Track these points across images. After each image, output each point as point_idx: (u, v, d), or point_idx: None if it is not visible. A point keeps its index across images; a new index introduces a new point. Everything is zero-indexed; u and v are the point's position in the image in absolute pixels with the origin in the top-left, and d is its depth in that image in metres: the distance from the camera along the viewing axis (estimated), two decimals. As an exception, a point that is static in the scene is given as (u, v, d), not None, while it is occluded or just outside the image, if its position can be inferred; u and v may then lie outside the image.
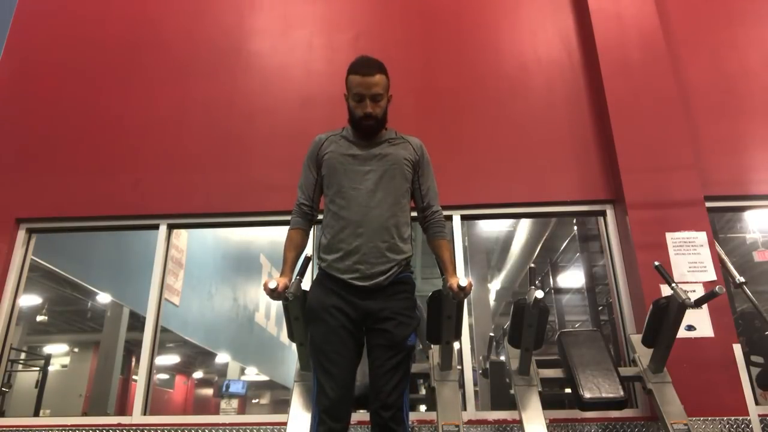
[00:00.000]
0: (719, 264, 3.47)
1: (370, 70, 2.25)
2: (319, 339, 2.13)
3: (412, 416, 3.28)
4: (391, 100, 2.34)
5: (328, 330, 2.11)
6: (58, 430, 3.45)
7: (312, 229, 3.76)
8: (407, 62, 4.33)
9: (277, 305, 8.99)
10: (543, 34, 4.38)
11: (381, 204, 2.20)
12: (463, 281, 2.13)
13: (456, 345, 2.91)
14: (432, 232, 2.39)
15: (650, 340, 2.90)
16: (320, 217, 2.38)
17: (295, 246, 2.33)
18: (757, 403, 3.15)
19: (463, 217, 3.92)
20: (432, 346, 2.99)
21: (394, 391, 2.07)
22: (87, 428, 3.47)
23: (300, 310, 2.46)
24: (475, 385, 3.58)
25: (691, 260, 3.46)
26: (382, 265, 2.14)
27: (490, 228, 8.46)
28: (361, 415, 3.31)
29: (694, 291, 3.26)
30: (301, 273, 2.34)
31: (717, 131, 3.94)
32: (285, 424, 2.77)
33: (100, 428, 3.45)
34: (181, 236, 6.00)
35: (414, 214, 2.40)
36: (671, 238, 3.52)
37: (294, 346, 2.79)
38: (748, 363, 3.25)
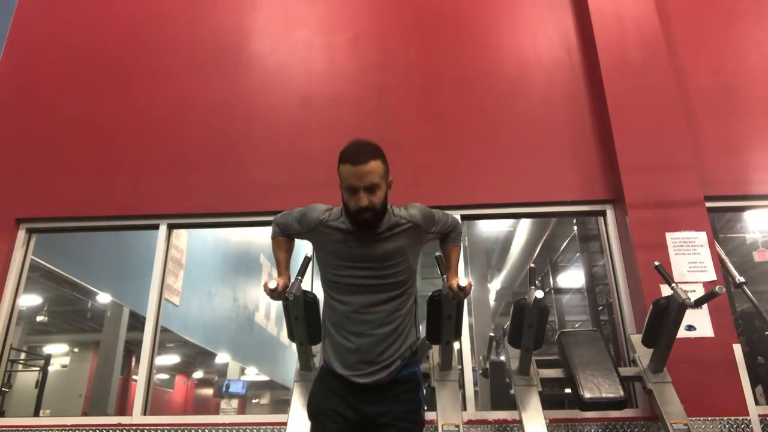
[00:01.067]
0: (719, 264, 3.47)
1: (362, 157, 1.95)
2: None
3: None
4: (392, 187, 2.08)
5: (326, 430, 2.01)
6: (58, 430, 3.44)
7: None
8: (407, 62, 4.33)
9: (277, 305, 8.99)
10: (543, 34, 4.38)
11: (382, 305, 2.05)
12: (463, 281, 2.11)
13: (456, 345, 2.92)
14: (449, 239, 2.33)
15: (650, 340, 2.90)
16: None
17: (283, 248, 2.31)
18: (757, 403, 3.15)
19: (463, 217, 3.92)
20: (432, 346, 2.99)
21: None
22: (87, 428, 3.46)
23: (300, 310, 2.47)
24: (475, 385, 3.58)
25: (691, 260, 3.46)
26: (384, 361, 2.02)
27: (490, 228, 8.47)
28: None
29: (694, 291, 3.25)
30: (301, 273, 2.33)
31: (717, 131, 3.94)
32: (285, 424, 2.76)
33: (100, 428, 3.45)
34: (181, 236, 6.00)
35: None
36: (671, 238, 3.52)
37: (294, 346, 2.79)
38: (749, 363, 3.25)
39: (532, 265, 2.93)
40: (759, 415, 3.09)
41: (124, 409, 11.34)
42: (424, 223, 2.16)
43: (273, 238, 2.34)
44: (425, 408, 2.13)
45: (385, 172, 2.03)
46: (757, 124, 3.96)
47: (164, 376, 16.37)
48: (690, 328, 3.25)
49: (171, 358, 14.96)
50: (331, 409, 2.03)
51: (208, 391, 18.22)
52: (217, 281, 7.91)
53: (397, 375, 2.05)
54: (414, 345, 2.12)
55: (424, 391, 2.16)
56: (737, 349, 3.24)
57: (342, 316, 2.08)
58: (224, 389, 10.85)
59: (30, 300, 9.66)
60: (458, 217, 3.87)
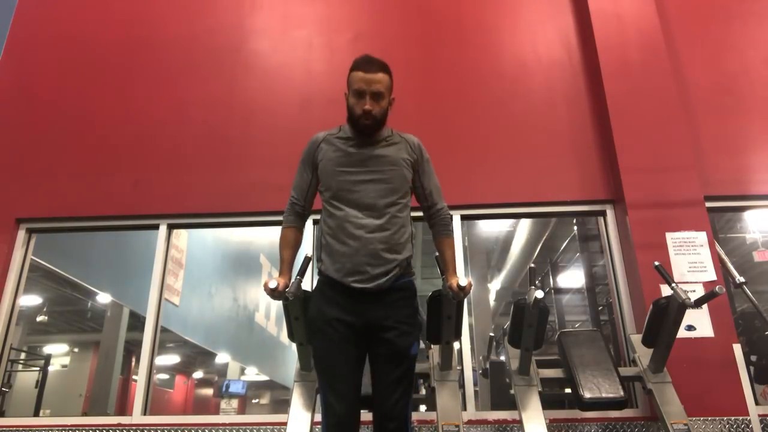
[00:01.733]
0: (719, 264, 3.47)
1: (373, 67, 2.21)
2: (323, 354, 2.12)
3: (412, 416, 3.28)
4: (393, 104, 2.29)
5: (331, 345, 2.08)
6: (58, 430, 3.45)
7: (313, 230, 3.81)
8: (407, 62, 4.32)
9: (277, 305, 8.99)
10: (543, 35, 4.38)
11: (379, 205, 2.16)
12: (463, 281, 2.13)
13: (456, 345, 2.92)
14: (437, 230, 2.36)
15: (650, 340, 2.90)
16: (316, 217, 2.37)
17: (290, 244, 2.32)
18: (757, 403, 3.15)
19: (463, 217, 3.92)
20: (432, 346, 2.99)
21: (398, 403, 2.06)
22: (87, 428, 3.46)
23: (300, 310, 2.46)
24: (475, 385, 3.58)
25: (691, 260, 3.46)
26: (382, 266, 2.10)
27: (490, 228, 8.47)
28: (364, 414, 3.31)
29: (694, 291, 3.26)
30: (301, 273, 2.34)
31: (717, 131, 3.94)
32: (285, 424, 2.76)
33: (100, 428, 3.45)
34: (181, 236, 6.00)
35: (418, 213, 2.39)
36: (671, 238, 3.52)
37: (294, 346, 2.79)
38: (748, 363, 3.25)
39: (532, 265, 2.93)
40: (759, 415, 3.10)
41: (124, 409, 11.33)
42: (417, 149, 2.33)
43: (282, 229, 2.35)
44: (420, 314, 2.25)
45: (390, 86, 2.25)
46: (757, 124, 3.96)
47: (164, 376, 16.36)
48: (690, 328, 3.25)
49: (171, 358, 14.96)
50: (333, 317, 2.09)
51: (208, 391, 18.21)
52: (217, 281, 7.91)
53: (395, 283, 2.13)
54: (410, 258, 2.22)
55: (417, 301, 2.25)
56: (737, 349, 3.24)
57: (341, 221, 2.16)
58: (224, 389, 10.85)
59: (30, 300, 9.65)
60: (458, 217, 3.88)
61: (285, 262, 2.28)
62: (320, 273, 2.22)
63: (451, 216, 2.47)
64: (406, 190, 2.27)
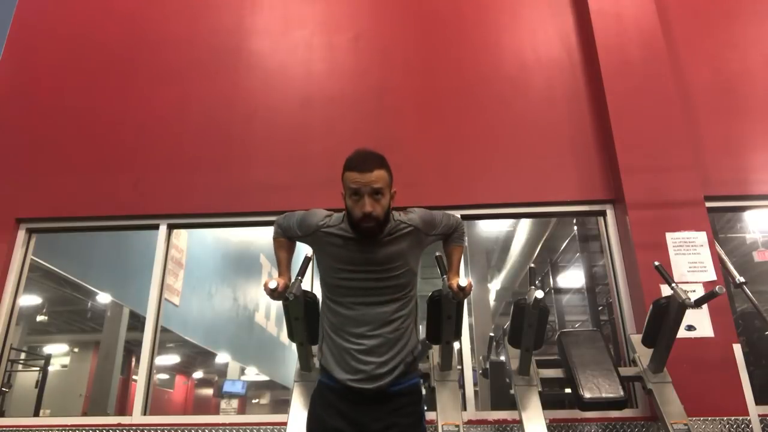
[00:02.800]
0: (719, 264, 3.47)
1: (367, 165, 1.98)
2: None
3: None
4: (395, 197, 2.11)
5: None
6: (58, 430, 3.44)
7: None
8: (407, 62, 4.33)
9: (277, 305, 8.99)
10: (543, 34, 4.38)
11: (382, 307, 2.05)
12: (463, 281, 2.11)
13: (456, 345, 2.92)
14: (451, 239, 2.32)
15: (650, 340, 2.90)
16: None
17: (284, 247, 2.31)
18: (757, 403, 3.15)
19: (463, 217, 3.90)
20: (432, 346, 2.99)
21: None
22: (87, 428, 3.46)
23: (300, 310, 2.47)
24: (475, 385, 3.58)
25: (691, 260, 3.46)
26: (386, 365, 2.00)
27: (490, 228, 8.47)
28: None
29: (694, 291, 3.25)
30: (301, 273, 2.33)
31: (717, 131, 3.94)
32: (285, 424, 2.76)
33: (100, 428, 3.45)
34: (181, 236, 6.00)
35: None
36: (671, 238, 3.52)
37: (294, 346, 2.79)
38: (749, 363, 3.25)
39: (532, 265, 2.93)
40: (759, 415, 3.09)
41: (124, 409, 11.34)
42: (423, 227, 2.17)
43: (274, 238, 2.34)
44: (426, 421, 2.12)
45: (389, 182, 2.04)
46: (757, 124, 3.96)
47: (164, 376, 16.37)
48: (690, 328, 3.25)
49: (171, 358, 14.97)
50: (332, 427, 1.99)
51: (208, 391, 18.22)
52: (217, 281, 7.90)
53: (399, 386, 2.03)
54: (416, 350, 2.12)
55: (424, 404, 2.15)
56: (737, 349, 3.23)
57: (343, 319, 2.07)
58: (224, 389, 10.85)
59: (30, 300, 9.65)
60: (458, 216, 3.87)
61: (283, 263, 2.28)
62: (321, 366, 2.14)
63: (464, 226, 2.43)
64: (413, 283, 2.15)
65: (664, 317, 2.76)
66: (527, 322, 2.72)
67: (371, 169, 1.97)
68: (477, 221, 6.80)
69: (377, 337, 2.02)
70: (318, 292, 2.32)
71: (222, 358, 12.02)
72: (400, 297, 2.09)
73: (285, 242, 2.32)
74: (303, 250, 2.50)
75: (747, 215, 4.75)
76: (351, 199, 2.00)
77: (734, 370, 3.19)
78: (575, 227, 7.10)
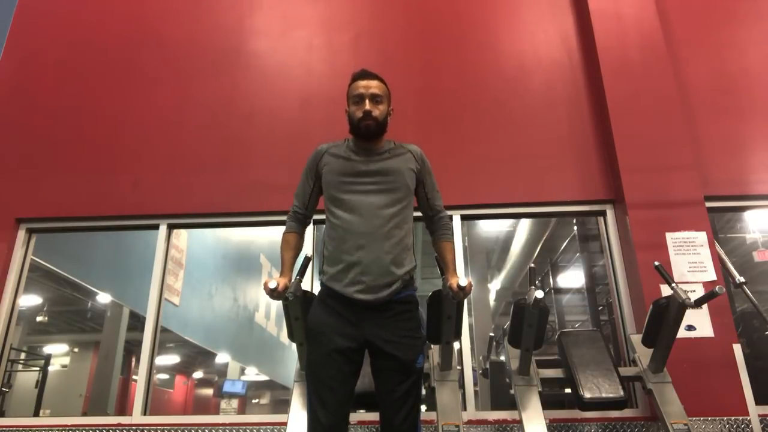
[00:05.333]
0: (719, 264, 3.47)
1: (370, 75, 2.30)
2: (315, 363, 2.09)
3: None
4: (392, 114, 2.35)
5: (325, 354, 2.05)
6: (58, 430, 3.45)
7: (313, 229, 3.81)
8: (407, 62, 4.33)
9: (277, 305, 8.99)
10: (543, 35, 4.38)
11: (383, 216, 2.16)
12: (463, 281, 2.12)
13: (456, 345, 2.92)
14: (438, 234, 2.39)
15: (650, 340, 2.90)
16: (317, 217, 2.37)
17: (291, 247, 2.33)
18: (757, 403, 3.15)
19: (463, 217, 3.92)
20: (432, 346, 2.99)
21: (406, 420, 2.04)
22: (87, 428, 3.46)
23: (300, 310, 2.46)
24: (475, 385, 3.58)
25: (691, 260, 3.46)
26: (385, 278, 2.09)
27: (490, 228, 8.47)
28: (360, 415, 3.31)
29: (694, 291, 3.25)
30: (301, 273, 2.34)
31: (717, 131, 3.94)
32: (285, 424, 2.77)
33: (100, 428, 3.45)
34: (181, 236, 6.00)
35: (417, 213, 2.40)
36: (671, 238, 3.52)
37: (294, 346, 2.79)
38: (749, 363, 3.25)
39: (532, 265, 2.93)
40: (759, 415, 3.10)
41: (124, 409, 11.34)
42: (418, 159, 2.35)
43: (284, 234, 2.37)
44: (424, 328, 2.24)
45: (388, 95, 2.33)
46: (757, 124, 3.96)
47: (164, 376, 16.37)
48: (690, 328, 3.25)
49: (171, 358, 14.96)
50: (331, 327, 2.08)
51: (208, 391, 18.22)
52: (217, 281, 7.90)
53: (397, 296, 2.13)
54: (413, 270, 2.21)
55: (421, 313, 2.25)
56: (737, 349, 3.24)
57: (344, 232, 2.16)
58: (224, 389, 10.85)
59: (30, 300, 9.66)
60: (458, 217, 3.88)
61: (286, 264, 2.29)
62: (322, 284, 2.20)
63: (451, 217, 2.49)
64: (410, 200, 2.29)
65: (664, 317, 2.76)
66: (527, 322, 2.72)
67: (373, 78, 2.29)
68: (477, 221, 6.80)
69: (377, 251, 2.11)
70: (318, 291, 2.31)
71: (222, 358, 12.01)
72: (398, 212, 2.20)
73: (293, 240, 2.35)
74: (302, 250, 2.50)
75: (747, 215, 4.75)
76: (354, 105, 2.28)
77: (734, 370, 3.19)
78: (575, 227, 7.10)
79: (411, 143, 2.41)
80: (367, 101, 2.24)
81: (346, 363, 2.05)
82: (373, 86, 2.26)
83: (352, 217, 2.16)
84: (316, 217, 3.68)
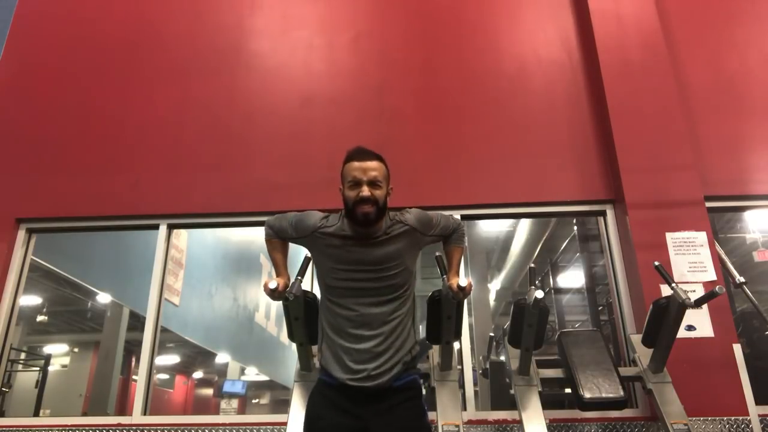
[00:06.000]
0: (719, 264, 3.47)
1: (367, 156, 2.08)
2: None
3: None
4: (391, 195, 2.16)
5: None
6: (58, 430, 3.44)
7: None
8: (407, 62, 4.33)
9: (277, 305, 8.98)
10: (543, 35, 4.38)
11: (381, 307, 2.06)
12: (463, 281, 2.12)
13: (456, 345, 2.92)
14: (451, 239, 2.33)
15: (650, 340, 2.90)
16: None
17: (278, 249, 2.31)
18: (757, 403, 3.15)
19: (463, 217, 3.91)
20: (432, 346, 2.99)
21: None
22: (87, 428, 3.46)
23: (300, 310, 2.47)
24: (475, 385, 3.58)
25: (691, 260, 3.46)
26: (385, 364, 2.01)
27: (490, 228, 8.47)
28: None
29: (694, 291, 3.25)
30: (301, 273, 2.33)
31: (717, 131, 3.94)
32: (285, 424, 2.76)
33: (100, 428, 3.45)
34: (181, 236, 6.00)
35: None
36: (671, 238, 3.52)
37: (294, 346, 2.79)
38: (749, 363, 3.25)
39: (532, 265, 2.93)
40: (759, 415, 3.09)
41: (124, 409, 11.34)
42: (420, 227, 2.19)
43: (267, 240, 2.34)
44: (428, 415, 2.11)
45: (387, 176, 2.12)
46: (757, 124, 3.96)
47: (164, 376, 16.37)
48: (690, 328, 3.25)
49: (171, 358, 14.96)
50: (331, 423, 1.99)
51: (208, 391, 18.21)
52: (217, 281, 7.90)
53: (398, 382, 2.04)
54: (414, 349, 2.13)
55: (424, 402, 2.14)
56: (737, 349, 3.24)
57: (342, 320, 2.08)
58: (224, 389, 10.84)
59: (30, 300, 9.65)
60: (458, 217, 3.88)
61: (279, 264, 2.28)
62: (320, 370, 2.14)
63: (464, 227, 2.44)
64: (410, 282, 2.16)
65: (664, 317, 2.76)
66: (527, 322, 2.72)
67: (371, 159, 2.07)
68: (477, 221, 6.80)
69: (376, 338, 2.03)
70: (317, 291, 2.31)
71: (222, 358, 12.01)
72: (397, 297, 2.10)
73: (278, 243, 2.32)
74: (302, 250, 2.50)
75: (747, 215, 4.75)
76: (350, 189, 2.06)
77: (734, 370, 3.19)
78: (575, 227, 7.10)
79: (407, 209, 2.22)
80: (365, 187, 2.02)
81: None
82: (371, 169, 2.04)
83: (350, 305, 2.06)
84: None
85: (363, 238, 2.09)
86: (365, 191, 2.02)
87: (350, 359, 2.02)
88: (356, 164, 2.06)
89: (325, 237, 2.13)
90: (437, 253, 2.50)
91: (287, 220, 2.27)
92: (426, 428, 2.06)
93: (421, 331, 2.69)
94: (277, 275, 2.24)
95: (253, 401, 16.94)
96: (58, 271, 6.25)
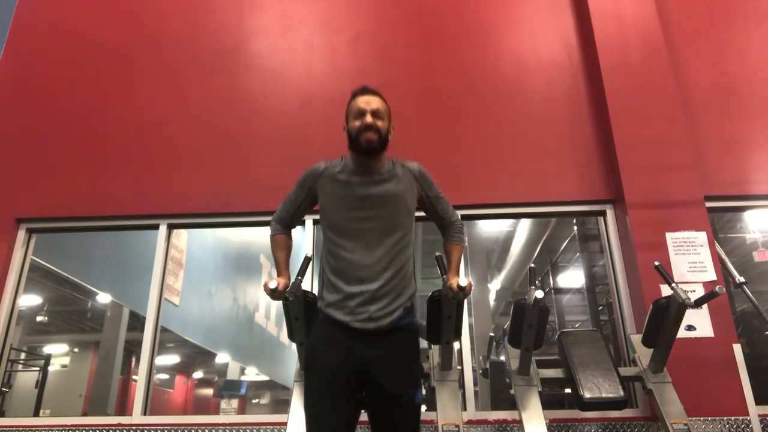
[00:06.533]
0: (719, 264, 3.47)
1: (370, 91, 2.27)
2: (314, 400, 2.04)
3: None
4: (393, 133, 2.29)
5: (324, 391, 2.00)
6: (58, 430, 3.45)
7: (314, 230, 3.81)
8: (407, 62, 4.33)
9: (277, 305, 8.99)
10: (543, 35, 4.38)
11: (382, 245, 2.12)
12: (463, 281, 2.12)
13: (456, 345, 2.92)
14: (450, 235, 2.36)
15: (650, 340, 2.90)
16: (316, 216, 2.35)
17: (283, 247, 2.33)
18: (757, 403, 3.15)
19: (463, 217, 3.88)
20: (432, 346, 2.99)
21: None
22: (87, 428, 3.46)
23: (300, 310, 2.47)
24: (475, 385, 3.58)
25: (691, 260, 3.46)
26: (385, 307, 2.06)
27: (490, 228, 8.47)
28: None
29: (694, 291, 3.25)
30: (301, 273, 2.34)
31: (717, 131, 3.94)
32: (285, 424, 2.77)
33: (100, 428, 3.45)
34: (181, 236, 6.00)
35: (419, 213, 2.38)
36: (671, 238, 3.52)
37: (294, 346, 2.79)
38: (749, 363, 3.25)
39: (532, 265, 2.93)
40: (759, 415, 3.10)
41: (124, 409, 11.35)
42: (420, 178, 2.32)
43: (272, 236, 2.36)
44: (421, 357, 2.22)
45: (389, 113, 2.27)
46: (757, 124, 3.96)
47: (164, 376, 16.37)
48: (690, 328, 3.25)
49: (171, 358, 14.97)
50: (332, 360, 2.03)
51: (208, 391, 18.22)
52: (217, 281, 7.90)
53: (399, 322, 2.09)
54: (414, 297, 2.19)
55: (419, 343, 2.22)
56: (737, 349, 3.24)
57: (344, 262, 2.12)
58: (224, 389, 10.85)
59: (30, 300, 9.66)
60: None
61: (281, 264, 2.29)
62: (320, 310, 2.17)
63: (463, 224, 2.46)
64: (411, 225, 2.24)
65: (664, 317, 2.76)
66: (527, 322, 2.72)
67: (374, 94, 2.26)
68: (477, 221, 6.80)
69: (377, 281, 2.08)
70: (317, 320, 2.30)
71: (222, 358, 12.02)
72: (399, 239, 2.16)
73: (283, 240, 2.34)
74: (302, 250, 2.51)
75: (747, 215, 4.75)
76: (354, 119, 2.21)
77: (734, 370, 3.19)
78: (575, 227, 7.10)
79: (410, 160, 2.36)
80: (368, 115, 2.18)
81: (344, 398, 2.00)
82: (374, 102, 2.22)
83: (353, 247, 2.12)
84: (315, 217, 3.71)
85: (367, 174, 2.20)
86: (369, 119, 2.16)
87: (352, 301, 2.07)
88: (361, 98, 2.22)
89: (331, 179, 2.24)
90: (437, 253, 2.50)
91: (287, 197, 2.38)
92: (420, 372, 2.17)
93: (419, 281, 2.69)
94: (278, 275, 2.24)
95: (253, 401, 16.95)
96: (58, 271, 6.25)
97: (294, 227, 2.40)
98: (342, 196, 2.20)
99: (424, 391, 2.56)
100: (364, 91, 2.26)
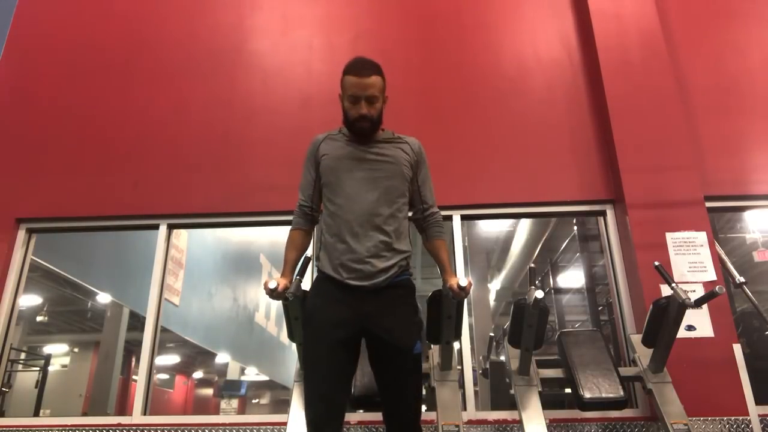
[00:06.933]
0: (719, 264, 3.47)
1: (366, 71, 2.24)
2: (311, 352, 2.08)
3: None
4: (387, 102, 2.33)
5: (321, 344, 2.04)
6: (58, 430, 3.45)
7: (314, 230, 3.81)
8: (407, 62, 4.33)
9: (277, 305, 8.99)
10: (543, 34, 4.38)
11: (379, 204, 2.16)
12: (463, 281, 2.12)
13: (456, 345, 2.92)
14: (431, 232, 2.36)
15: (650, 340, 2.90)
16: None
17: (296, 247, 2.32)
18: (757, 403, 3.15)
19: (463, 217, 3.92)
20: (432, 346, 2.99)
21: (408, 410, 2.06)
22: (87, 428, 3.47)
23: (300, 310, 2.46)
24: (475, 385, 3.58)
25: (691, 260, 3.46)
26: (381, 264, 2.09)
27: (490, 228, 8.46)
28: (360, 415, 3.31)
29: (694, 291, 3.25)
30: (301, 273, 2.33)
31: (717, 131, 3.94)
32: (285, 424, 2.77)
33: (100, 428, 3.45)
34: (181, 236, 6.00)
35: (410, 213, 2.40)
36: (671, 238, 3.52)
37: (294, 346, 2.79)
38: (749, 363, 3.25)
39: (532, 265, 2.93)
40: (759, 415, 3.10)
41: (124, 409, 11.33)
42: (417, 151, 2.35)
43: (290, 230, 2.35)
44: (420, 312, 2.24)
45: (383, 87, 2.28)
46: (757, 124, 3.96)
47: (164, 376, 16.36)
48: (690, 328, 3.25)
49: (171, 358, 14.96)
50: (330, 316, 2.06)
51: (208, 391, 18.22)
52: (217, 281, 7.90)
53: (395, 279, 2.13)
54: (409, 256, 2.22)
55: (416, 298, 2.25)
56: (737, 349, 3.24)
57: (340, 219, 2.16)
58: (224, 389, 10.84)
59: (30, 300, 9.65)
60: (458, 217, 3.88)
61: (288, 264, 2.27)
62: (318, 270, 2.20)
63: (450, 217, 2.48)
64: (405, 188, 2.27)
65: (664, 317, 2.76)
66: (527, 322, 2.72)
67: (369, 75, 2.22)
68: (477, 221, 6.80)
69: (373, 239, 2.11)
70: (315, 278, 2.31)
71: (222, 358, 12.01)
72: (394, 199, 2.20)
73: (299, 238, 2.32)
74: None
75: (747, 215, 4.74)
76: (349, 102, 2.24)
77: (734, 370, 3.19)
78: (575, 227, 7.09)
79: (413, 136, 2.41)
80: (363, 103, 2.20)
81: (343, 352, 2.04)
82: (368, 86, 2.21)
83: (349, 205, 2.16)
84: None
85: (364, 142, 2.27)
86: (363, 109, 2.20)
87: (348, 259, 2.10)
88: (355, 80, 2.21)
89: (330, 142, 2.32)
90: (430, 253, 2.49)
91: (301, 181, 2.37)
92: (417, 324, 2.20)
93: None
94: (282, 275, 2.24)
95: (253, 401, 16.94)
96: (58, 271, 6.25)
97: (317, 215, 2.37)
98: (341, 154, 2.26)
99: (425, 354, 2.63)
100: (359, 70, 2.24)
